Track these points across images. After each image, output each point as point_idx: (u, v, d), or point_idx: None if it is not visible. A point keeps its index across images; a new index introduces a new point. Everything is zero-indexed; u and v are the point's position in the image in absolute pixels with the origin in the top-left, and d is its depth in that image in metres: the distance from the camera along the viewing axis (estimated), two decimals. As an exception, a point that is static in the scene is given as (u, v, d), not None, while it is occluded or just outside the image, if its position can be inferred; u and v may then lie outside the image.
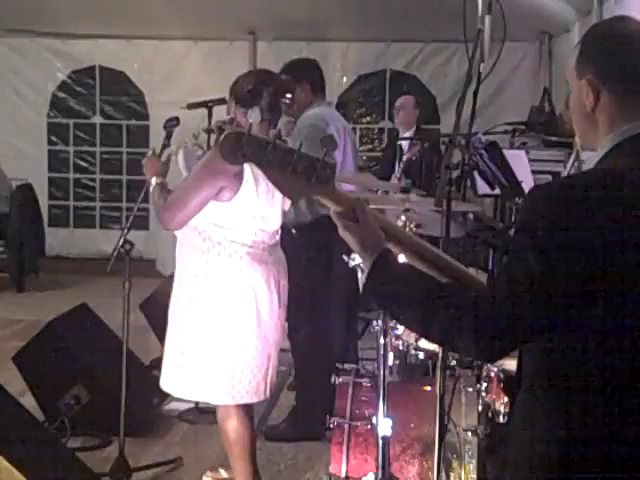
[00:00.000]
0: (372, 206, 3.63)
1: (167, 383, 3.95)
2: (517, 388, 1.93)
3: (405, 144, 7.58)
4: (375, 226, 1.97)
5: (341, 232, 1.97)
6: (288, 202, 4.04)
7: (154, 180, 4.00)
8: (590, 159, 2.17)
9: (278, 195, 3.89)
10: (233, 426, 3.94)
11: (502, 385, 3.34)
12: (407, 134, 7.68)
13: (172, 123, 4.42)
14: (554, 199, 1.75)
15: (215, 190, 3.71)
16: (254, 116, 3.73)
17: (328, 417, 3.67)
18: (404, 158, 7.15)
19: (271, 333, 3.91)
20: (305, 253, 4.33)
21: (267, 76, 4.00)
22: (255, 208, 3.80)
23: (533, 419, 1.82)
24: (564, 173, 5.52)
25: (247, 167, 3.71)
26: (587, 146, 2.00)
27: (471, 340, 1.75)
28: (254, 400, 3.99)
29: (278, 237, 4.04)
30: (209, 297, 3.80)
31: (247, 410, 3.98)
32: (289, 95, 3.96)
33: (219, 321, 3.79)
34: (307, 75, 5.12)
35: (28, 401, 4.72)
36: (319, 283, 4.82)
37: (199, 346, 3.81)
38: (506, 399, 3.25)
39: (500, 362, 3.33)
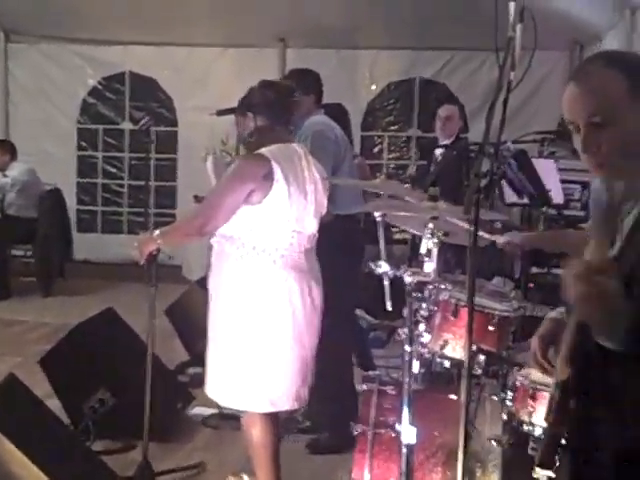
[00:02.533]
0: (401, 213, 3.65)
1: (213, 392, 3.98)
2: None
3: (438, 153, 7.51)
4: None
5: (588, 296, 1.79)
6: (324, 207, 4.05)
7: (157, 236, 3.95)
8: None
9: (311, 196, 3.92)
10: (257, 433, 3.94)
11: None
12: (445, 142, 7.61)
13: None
14: None
15: (244, 193, 3.73)
16: None
17: (352, 424, 3.66)
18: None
19: (307, 337, 3.92)
20: (325, 254, 4.32)
21: (270, 81, 4.12)
22: (288, 210, 3.81)
23: None
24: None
25: (276, 167, 3.74)
26: (627, 177, 1.94)
27: None
28: (295, 406, 4.02)
29: (314, 242, 4.04)
30: (243, 303, 3.81)
31: (273, 417, 3.97)
32: (296, 94, 4.03)
33: (255, 326, 3.79)
34: (314, 87, 5.26)
35: (54, 404, 4.73)
36: (339, 286, 4.78)
37: (238, 354, 3.82)
38: (530, 408, 3.20)
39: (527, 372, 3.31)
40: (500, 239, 3.98)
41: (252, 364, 3.81)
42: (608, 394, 1.91)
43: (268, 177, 3.74)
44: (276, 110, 3.93)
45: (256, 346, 3.80)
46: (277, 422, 4.04)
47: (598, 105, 1.95)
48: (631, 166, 1.97)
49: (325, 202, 4.07)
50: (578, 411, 1.96)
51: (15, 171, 9.34)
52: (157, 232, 3.95)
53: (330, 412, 5.06)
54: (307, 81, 5.19)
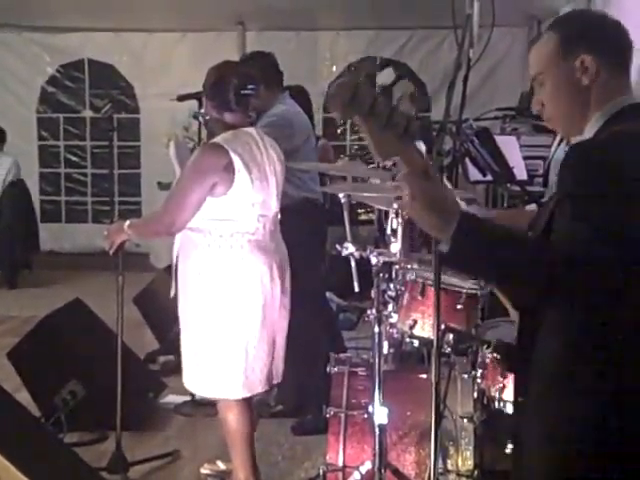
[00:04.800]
0: (364, 194, 3.65)
1: (189, 383, 3.99)
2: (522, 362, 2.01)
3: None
4: (447, 186, 1.98)
5: (413, 197, 1.86)
6: (281, 186, 4.04)
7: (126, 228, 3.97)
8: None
9: (272, 179, 3.91)
10: (233, 418, 3.95)
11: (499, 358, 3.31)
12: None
13: None
14: (607, 157, 1.83)
15: (207, 187, 3.71)
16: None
17: (324, 407, 3.67)
18: None
19: (276, 319, 3.93)
20: (291, 237, 4.32)
21: (230, 68, 3.99)
22: (252, 195, 3.80)
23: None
24: (550, 156, 5.50)
25: (235, 156, 3.71)
26: (573, 132, 2.01)
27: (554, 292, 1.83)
28: (265, 388, 4.04)
29: (278, 223, 4.04)
30: (214, 292, 3.80)
31: (247, 402, 3.98)
32: (251, 86, 3.94)
33: (227, 314, 3.79)
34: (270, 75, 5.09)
35: (24, 397, 4.70)
36: (307, 268, 4.77)
37: (211, 343, 3.82)
38: (500, 385, 3.22)
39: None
40: None
41: (226, 351, 3.81)
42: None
43: (229, 168, 3.71)
44: (226, 96, 3.84)
45: (230, 333, 3.80)
46: (251, 406, 4.06)
47: (537, 66, 2.08)
48: (567, 121, 2.03)
49: (282, 181, 4.07)
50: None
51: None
52: (127, 223, 3.95)
53: (306, 394, 5.07)
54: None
